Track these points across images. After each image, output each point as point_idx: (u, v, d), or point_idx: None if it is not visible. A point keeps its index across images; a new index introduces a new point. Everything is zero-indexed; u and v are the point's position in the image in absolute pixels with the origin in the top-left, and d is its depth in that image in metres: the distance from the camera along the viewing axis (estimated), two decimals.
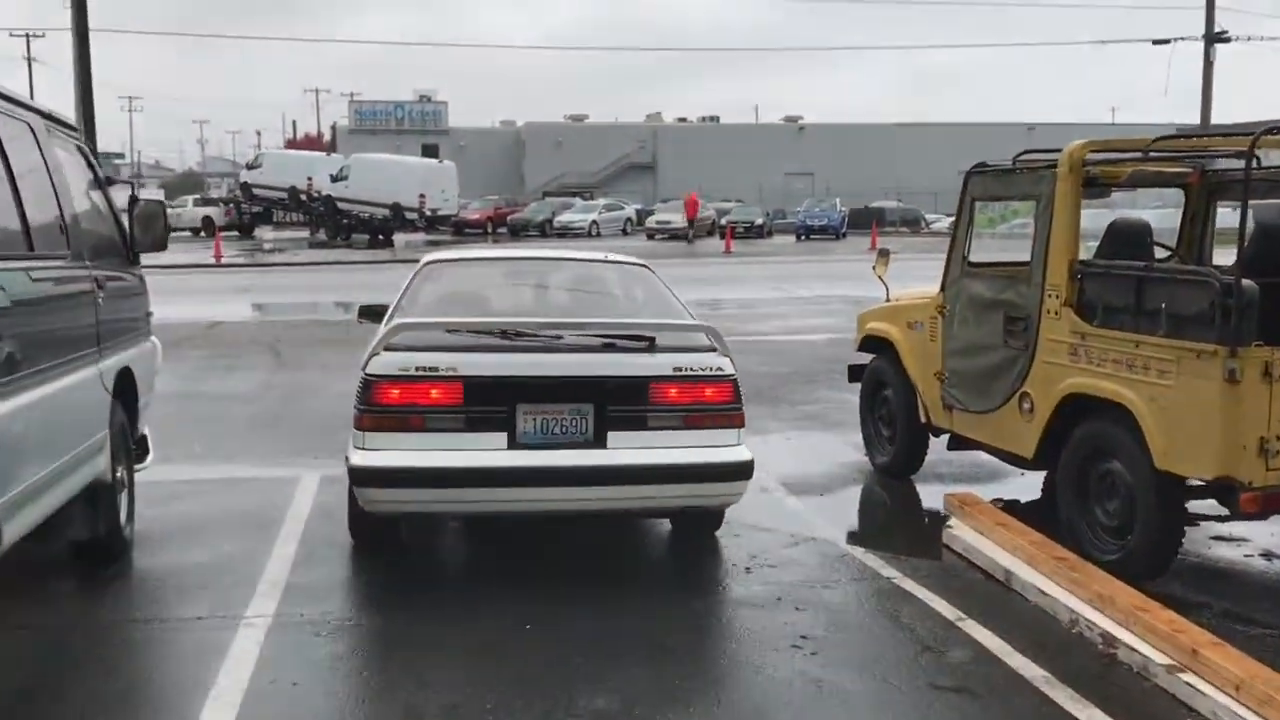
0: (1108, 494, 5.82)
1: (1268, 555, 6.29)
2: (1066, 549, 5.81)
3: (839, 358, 10.44)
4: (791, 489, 7.69)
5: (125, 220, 6.55)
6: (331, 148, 74.62)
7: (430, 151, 65.45)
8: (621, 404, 5.54)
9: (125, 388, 6.18)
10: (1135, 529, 5.62)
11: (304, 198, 49.02)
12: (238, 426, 9.62)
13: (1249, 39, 34.95)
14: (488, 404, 5.43)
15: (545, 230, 50.19)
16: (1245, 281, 5.08)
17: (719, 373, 5.73)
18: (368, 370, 5.55)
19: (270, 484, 7.73)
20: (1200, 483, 5.40)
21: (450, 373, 5.41)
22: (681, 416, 5.63)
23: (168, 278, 29.30)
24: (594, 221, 50.69)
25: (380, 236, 44.60)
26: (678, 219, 49.12)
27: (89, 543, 5.68)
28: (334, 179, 46.24)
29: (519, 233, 50.35)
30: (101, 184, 6.42)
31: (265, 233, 54.13)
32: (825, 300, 20.22)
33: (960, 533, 6.36)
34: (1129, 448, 5.58)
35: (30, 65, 73.98)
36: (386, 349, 5.57)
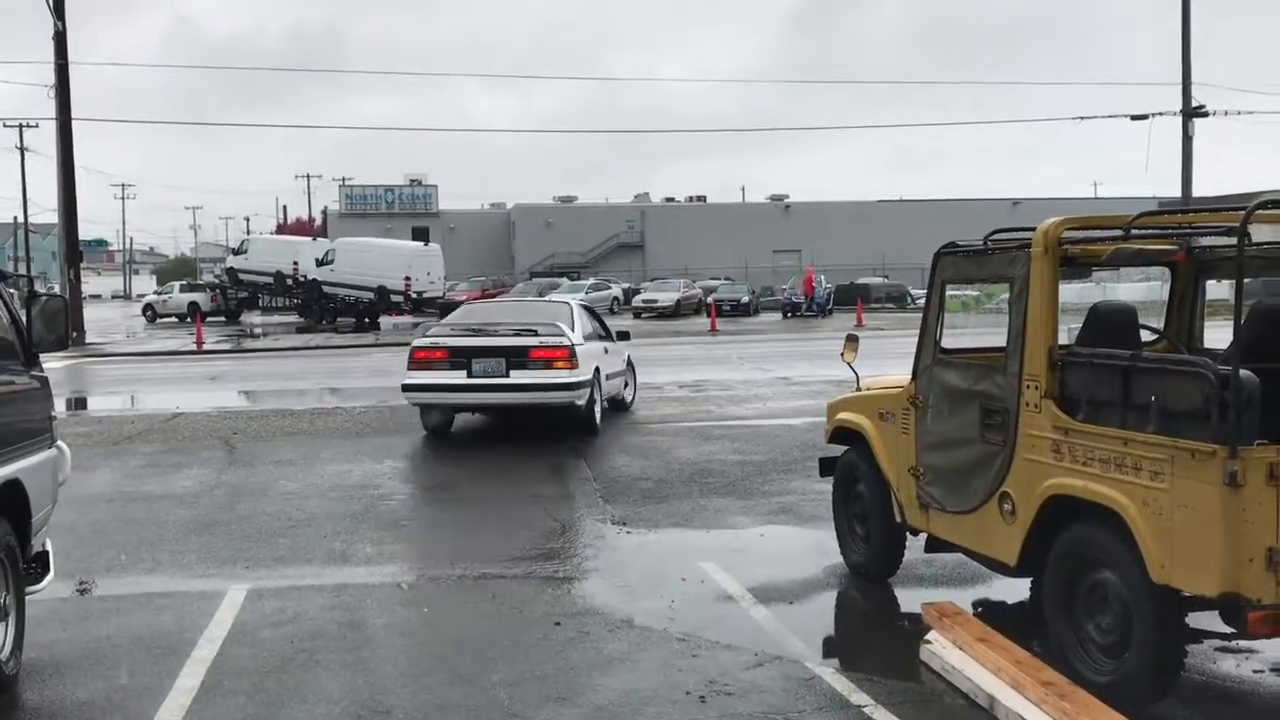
0: (1100, 608, 5.22)
1: (1279, 670, 5.68)
2: (1056, 669, 5.21)
3: (818, 444, 9.90)
4: (760, 596, 7.08)
5: (21, 318, 6.02)
6: (322, 232, 74.77)
7: (421, 234, 65.60)
8: (517, 358, 12.43)
9: (13, 503, 5.59)
10: (1132, 647, 5.01)
11: (290, 282, 48.83)
12: (170, 532, 8.98)
13: (1225, 113, 34.86)
14: (458, 358, 12.53)
15: None
16: (1244, 373, 4.54)
17: (562, 343, 12.55)
18: (412, 344, 13.08)
19: (191, 600, 7.11)
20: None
21: (444, 344, 12.78)
22: (544, 363, 12.43)
23: (146, 366, 28.85)
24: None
25: (366, 320, 44.34)
26: (664, 298, 48.97)
27: None
28: (319, 263, 46.16)
29: None
30: None
31: (252, 318, 53.80)
32: (807, 382, 19.70)
33: (939, 649, 5.75)
34: (1122, 557, 4.99)
35: (23, 155, 74.28)
36: (423, 336, 13.26)
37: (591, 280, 56.95)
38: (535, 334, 12.66)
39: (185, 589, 7.40)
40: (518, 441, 13.48)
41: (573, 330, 13.12)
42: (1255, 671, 5.69)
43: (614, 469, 11.53)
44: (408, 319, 46.82)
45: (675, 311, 47.96)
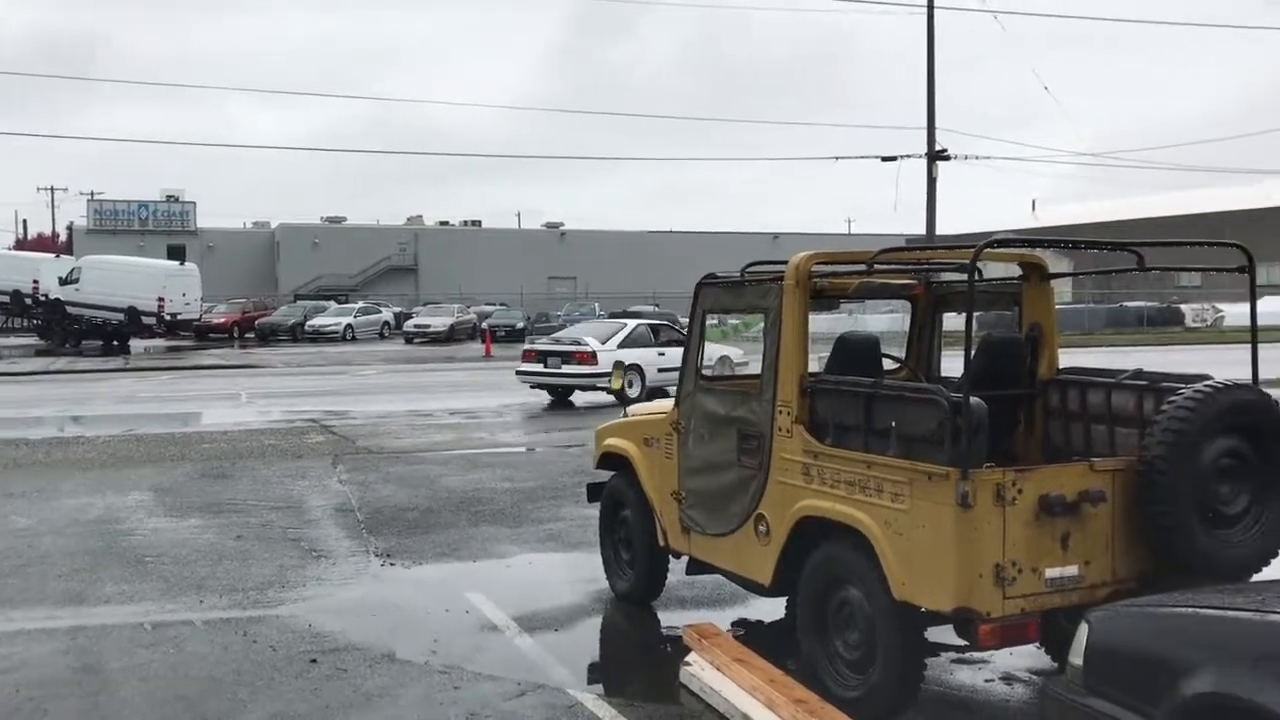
0: (847, 625, 5.46)
1: (1008, 679, 6.08)
2: (808, 686, 5.40)
3: (589, 470, 9.95)
4: (525, 625, 7.04)
5: None
6: (68, 249, 69.91)
7: (176, 253, 62.45)
8: (565, 358, 20.41)
9: None
10: (876, 663, 5.26)
11: (29, 301, 45.41)
12: None
13: (965, 157, 37.51)
14: (541, 356, 20.96)
15: (297, 334, 48.23)
16: (974, 400, 4.87)
17: (587, 349, 20.18)
18: (523, 349, 22.88)
19: None
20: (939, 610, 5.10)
21: (534, 349, 21.57)
22: (577, 361, 20.20)
23: None
24: (349, 325, 49.18)
25: (115, 342, 41.75)
26: (437, 323, 48.32)
27: None
28: (63, 281, 43.12)
29: (268, 337, 48.12)
30: None
31: None
32: (581, 408, 19.85)
33: (698, 670, 5.86)
34: (866, 575, 5.24)
35: None
36: (526, 344, 25.55)
37: (360, 304, 55.59)
38: (577, 344, 20.44)
39: None
40: (278, 471, 12.97)
41: (605, 343, 20.37)
42: (986, 681, 6.08)
43: (379, 499, 11.24)
44: (160, 342, 44.42)
45: (449, 337, 47.39)
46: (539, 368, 20.78)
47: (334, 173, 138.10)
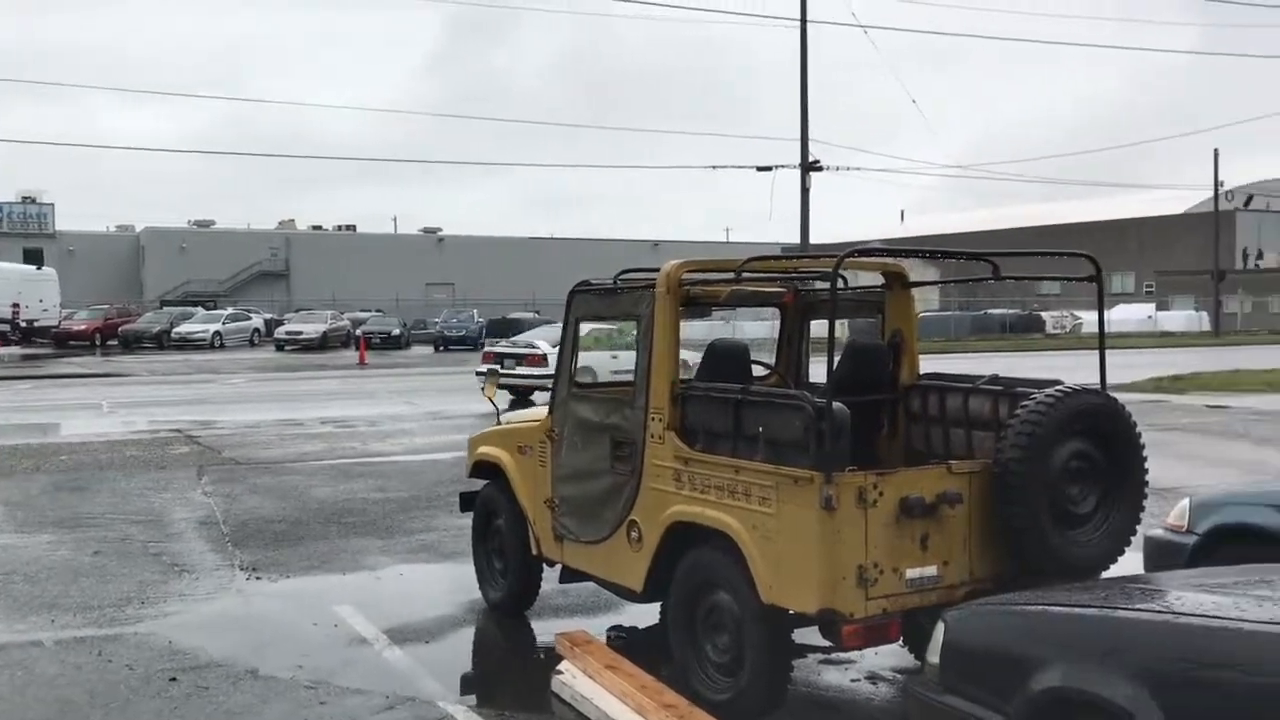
0: (717, 629, 5.51)
1: (873, 678, 6.21)
2: (678, 691, 5.44)
3: (463, 479, 9.86)
4: (395, 637, 6.93)
5: None
6: None
7: (33, 257, 59.87)
8: (519, 359, 21.35)
9: None
10: (745, 665, 5.32)
11: None
12: None
13: (838, 169, 38.37)
14: (499, 358, 21.50)
15: (163, 342, 46.66)
16: (837, 405, 4.97)
17: (536, 353, 20.94)
18: (483, 351, 25.12)
19: None
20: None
21: (492, 351, 22.64)
22: (529, 363, 20.89)
23: None
24: (217, 332, 47.75)
25: None
26: (309, 329, 47.30)
27: None
28: None
29: (132, 344, 46.43)
30: None
31: None
32: (457, 416, 19.66)
33: (570, 679, 5.85)
34: (735, 579, 5.30)
35: None
36: (488, 347, 24.99)
37: (229, 310, 54.01)
38: (530, 347, 21.67)
39: None
40: (140, 483, 12.51)
41: (555, 346, 23.03)
42: (853, 680, 6.20)
43: (245, 511, 10.93)
44: (15, 350, 42.52)
45: (322, 344, 46.39)
46: (495, 369, 21.50)
47: (203, 175, 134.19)
